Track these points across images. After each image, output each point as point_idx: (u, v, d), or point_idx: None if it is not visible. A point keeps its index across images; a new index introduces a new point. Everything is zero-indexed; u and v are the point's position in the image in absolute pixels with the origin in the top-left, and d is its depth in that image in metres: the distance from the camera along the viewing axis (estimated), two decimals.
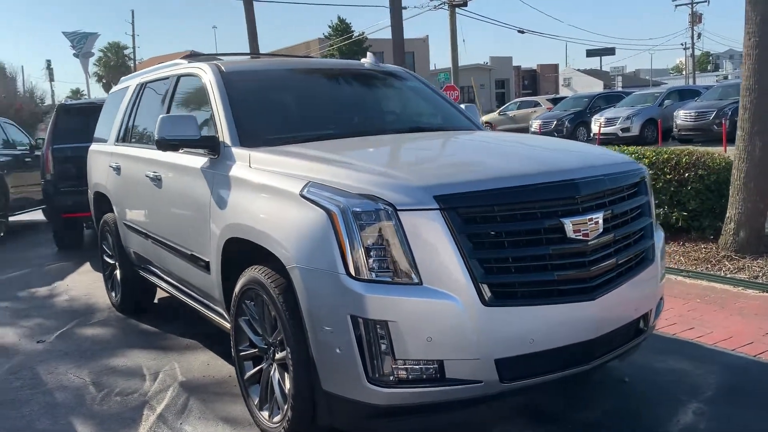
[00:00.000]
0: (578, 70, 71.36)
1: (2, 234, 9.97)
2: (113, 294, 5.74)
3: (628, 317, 3.05)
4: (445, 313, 2.57)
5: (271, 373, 3.15)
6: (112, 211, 5.50)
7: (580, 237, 2.79)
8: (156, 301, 5.73)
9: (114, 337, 5.00)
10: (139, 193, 4.76)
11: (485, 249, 2.66)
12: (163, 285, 4.71)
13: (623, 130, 20.18)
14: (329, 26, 46.78)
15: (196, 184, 3.74)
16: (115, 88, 6.17)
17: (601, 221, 2.87)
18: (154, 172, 4.38)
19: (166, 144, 3.68)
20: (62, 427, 3.49)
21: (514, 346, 2.68)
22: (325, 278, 2.66)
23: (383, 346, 2.59)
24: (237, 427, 3.37)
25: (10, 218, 10.52)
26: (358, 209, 2.61)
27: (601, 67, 70.88)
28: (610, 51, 65.72)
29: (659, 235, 3.44)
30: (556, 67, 72.83)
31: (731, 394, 3.53)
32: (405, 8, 33.18)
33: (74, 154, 7.72)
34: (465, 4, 26.27)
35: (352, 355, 2.61)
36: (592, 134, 21.15)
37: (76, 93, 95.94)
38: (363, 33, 43.39)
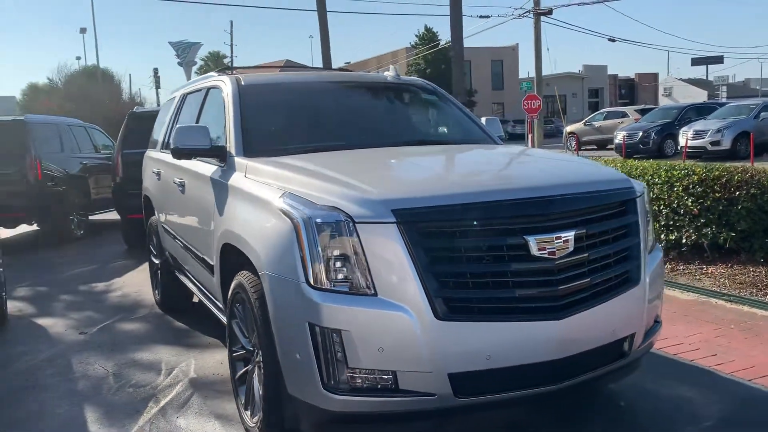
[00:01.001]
0: (680, 79, 68.36)
1: (82, 232, 10.72)
2: (156, 292, 6.09)
3: (604, 339, 2.97)
4: (396, 325, 2.62)
5: (254, 374, 3.29)
6: (155, 213, 5.86)
7: (546, 255, 2.76)
8: (196, 300, 6.02)
9: (146, 333, 5.31)
10: (170, 198, 5.06)
11: (442, 264, 2.69)
12: (190, 285, 4.97)
13: (713, 143, 19.18)
14: (416, 35, 47.03)
15: (206, 191, 3.95)
16: (167, 98, 6.55)
17: (572, 240, 2.83)
18: (180, 179, 4.64)
19: (180, 152, 3.91)
20: (74, 413, 3.76)
21: (468, 362, 2.69)
22: (289, 286, 2.76)
23: (338, 355, 2.67)
24: (227, 424, 3.53)
25: (91, 217, 11.29)
26: (319, 220, 2.71)
27: (707, 76, 67.61)
28: (718, 59, 62.40)
29: (655, 256, 3.33)
30: (655, 76, 70.08)
31: (731, 426, 3.36)
32: (488, 17, 32.94)
33: (141, 159, 8.22)
34: (550, 13, 25.84)
35: (310, 361, 2.71)
36: (679, 147, 20.24)
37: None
38: (449, 42, 43.31)
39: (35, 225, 10.60)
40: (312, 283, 2.69)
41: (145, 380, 4.23)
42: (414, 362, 2.64)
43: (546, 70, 25.49)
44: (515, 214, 2.78)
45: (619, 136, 22.52)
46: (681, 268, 6.28)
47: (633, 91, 68.24)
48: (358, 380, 2.69)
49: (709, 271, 6.09)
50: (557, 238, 2.79)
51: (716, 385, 3.83)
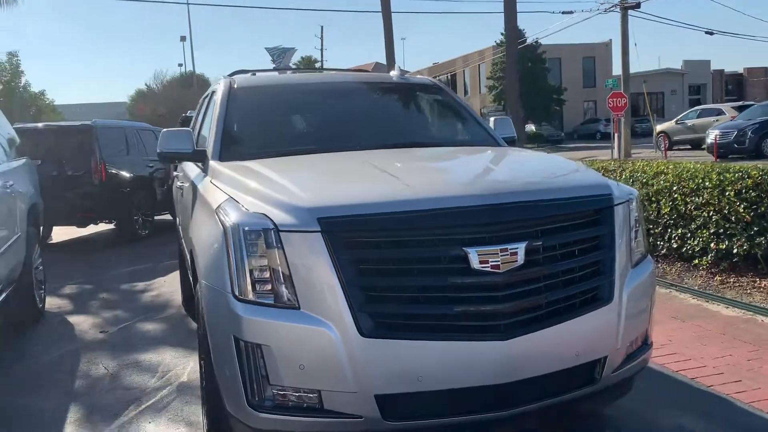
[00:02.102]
0: None
1: (147, 232, 11.14)
2: (182, 293, 6.18)
3: (564, 363, 2.68)
4: (318, 341, 2.46)
5: None
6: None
7: (488, 269, 2.52)
8: None
9: (161, 334, 5.39)
10: (178, 201, 5.11)
11: (369, 277, 2.50)
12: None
13: None
14: (501, 33, 46.05)
15: (189, 195, 3.94)
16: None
17: (521, 253, 2.57)
18: (181, 183, 4.67)
19: (163, 157, 3.91)
20: (58, 414, 3.82)
21: (397, 383, 2.49)
22: (220, 297, 2.66)
23: (261, 371, 2.54)
24: (193, 430, 3.48)
25: (156, 217, 11.72)
26: (247, 228, 2.59)
27: None
28: None
29: (640, 270, 2.99)
30: (766, 70, 65.39)
31: None
32: (571, 12, 31.79)
33: None
34: (638, 6, 24.59)
35: (236, 376, 2.59)
36: None
37: None
38: (537, 39, 42.23)
39: (106, 224, 11.14)
40: (237, 294, 2.58)
41: (137, 382, 4.26)
42: (337, 381, 2.47)
43: (642, 67, 24.25)
44: (454, 223, 2.55)
45: (712, 135, 21.07)
46: (731, 280, 5.71)
47: (741, 86, 63.87)
48: (283, 398, 2.55)
49: (762, 285, 5.51)
50: (503, 250, 2.54)
51: (727, 416, 3.41)
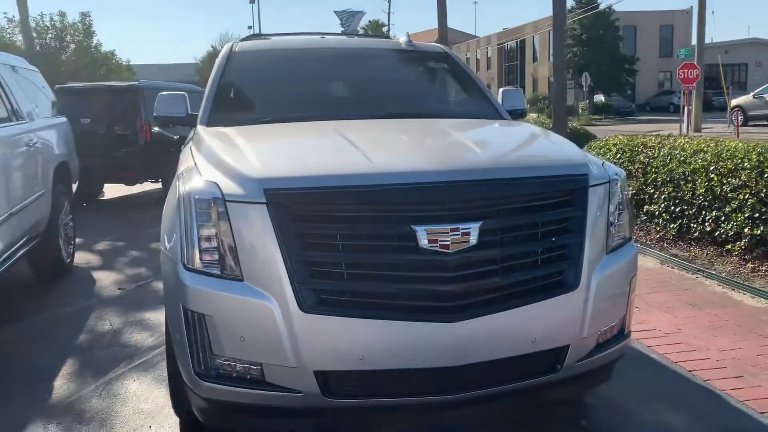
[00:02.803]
0: None
1: None
2: None
3: (520, 349, 2.57)
4: (259, 314, 2.43)
5: None
6: None
7: (437, 249, 2.42)
8: None
9: None
10: None
11: (314, 251, 2.44)
12: None
13: None
14: None
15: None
16: None
17: (475, 233, 2.45)
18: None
19: (159, 120, 3.93)
20: (53, 365, 3.97)
21: (338, 360, 2.45)
22: (171, 264, 2.66)
23: (206, 340, 2.54)
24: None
25: None
26: (197, 196, 2.56)
27: None
28: None
29: (617, 256, 2.81)
30: None
31: None
32: None
33: None
34: None
35: (185, 344, 2.60)
36: None
37: None
38: (611, 6, 40.42)
39: (153, 183, 11.45)
40: (185, 263, 2.57)
41: (135, 341, 4.38)
42: (277, 355, 2.44)
43: (732, 35, 22.80)
44: (403, 200, 2.45)
45: None
46: (763, 268, 5.37)
47: None
48: (227, 368, 2.54)
49: None
50: (453, 230, 2.43)
51: (714, 413, 3.22)
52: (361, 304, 2.44)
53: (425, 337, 2.44)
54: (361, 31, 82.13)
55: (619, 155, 7.45)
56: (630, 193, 6.99)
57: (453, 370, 2.48)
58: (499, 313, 2.50)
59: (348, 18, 70.40)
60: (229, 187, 2.53)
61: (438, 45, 4.64)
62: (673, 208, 6.44)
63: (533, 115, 39.02)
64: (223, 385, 2.55)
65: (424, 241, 2.41)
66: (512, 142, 3.24)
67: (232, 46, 4.23)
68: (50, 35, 29.98)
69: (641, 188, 6.96)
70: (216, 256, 2.52)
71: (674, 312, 4.64)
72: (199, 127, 3.59)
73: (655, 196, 6.71)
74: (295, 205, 2.45)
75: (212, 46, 47.65)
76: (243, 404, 2.58)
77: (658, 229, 6.70)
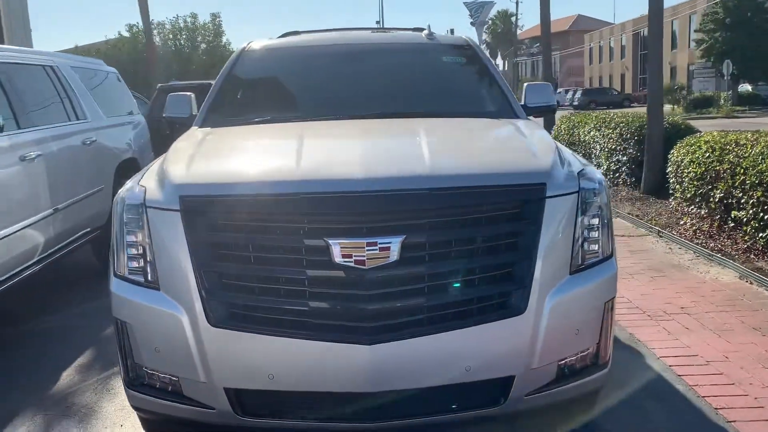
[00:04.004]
0: None
1: None
2: None
3: (450, 378, 2.31)
4: (170, 325, 2.35)
5: None
6: None
7: (351, 264, 2.22)
8: None
9: None
10: None
11: (225, 263, 2.33)
12: None
13: None
14: None
15: None
16: None
17: (396, 248, 2.22)
18: None
19: (168, 121, 3.97)
20: (71, 357, 4.14)
21: (247, 378, 2.32)
22: (109, 269, 2.65)
23: (129, 350, 2.50)
24: None
25: None
26: (127, 202, 2.53)
27: None
28: None
29: (585, 278, 2.45)
30: None
31: None
32: None
33: None
34: None
35: (118, 352, 2.58)
36: None
37: None
38: None
39: None
40: (115, 269, 2.55)
41: None
42: (188, 369, 2.36)
43: None
44: (317, 210, 2.27)
45: None
46: None
47: None
48: (151, 379, 2.49)
49: None
50: (370, 244, 2.21)
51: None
52: (271, 321, 2.29)
53: (338, 359, 2.25)
54: (488, 22, 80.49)
55: (708, 154, 6.69)
56: (718, 196, 6.27)
57: (369, 397, 2.27)
58: (425, 337, 2.25)
59: (477, 9, 69.23)
60: (152, 193, 2.48)
61: (461, 37, 4.33)
62: (762, 215, 5.67)
63: (667, 107, 36.47)
64: (147, 395, 2.51)
65: (338, 256, 2.22)
66: (479, 147, 2.93)
67: (245, 46, 4.20)
68: (184, 36, 32.07)
69: (729, 191, 6.20)
70: (140, 264, 2.47)
71: (729, 336, 4.06)
72: (192, 129, 3.58)
73: (743, 200, 5.95)
74: (208, 214, 2.34)
75: None
76: (167, 416, 2.53)
77: (747, 238, 5.94)
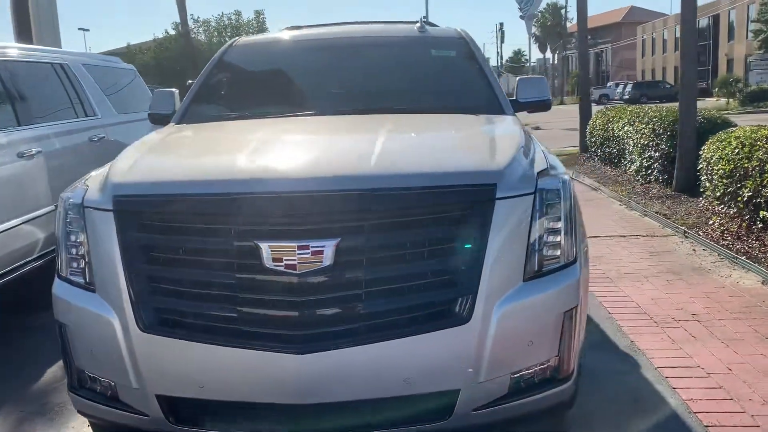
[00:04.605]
0: None
1: None
2: None
3: (388, 390, 2.18)
4: (103, 329, 2.29)
5: None
6: None
7: (282, 269, 2.11)
8: None
9: None
10: None
11: (156, 266, 2.25)
12: None
13: None
14: None
15: None
16: None
17: (330, 251, 2.10)
18: None
19: (152, 118, 3.92)
20: None
21: (178, 386, 2.24)
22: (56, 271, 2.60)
23: (69, 352, 2.45)
24: None
25: None
26: (69, 201, 2.48)
27: None
28: None
29: (542, 285, 2.28)
30: None
31: None
32: None
33: None
34: None
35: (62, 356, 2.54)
36: None
37: (517, 54, 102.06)
38: None
39: None
40: (58, 269, 2.50)
41: None
42: (121, 375, 2.29)
43: None
44: (247, 211, 2.16)
45: None
46: None
47: None
48: (92, 383, 2.44)
49: None
50: (301, 247, 2.10)
51: None
52: (201, 327, 2.21)
53: (269, 369, 2.15)
54: (539, 15, 79.29)
55: (737, 150, 6.33)
56: (746, 194, 5.93)
57: (303, 409, 2.16)
58: (360, 346, 2.13)
59: (526, 2, 68.64)
60: (92, 192, 2.42)
61: (454, 29, 4.16)
62: None
63: (721, 101, 35.09)
64: (89, 400, 2.45)
65: (268, 260, 2.11)
66: (437, 146, 2.75)
67: (234, 42, 4.13)
68: (228, 33, 32.48)
69: (758, 190, 5.84)
70: (80, 265, 2.41)
71: (738, 346, 3.80)
72: (168, 126, 3.53)
73: None
74: (139, 214, 2.27)
75: None
76: (108, 421, 2.47)
77: None
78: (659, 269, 5.46)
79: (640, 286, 5.01)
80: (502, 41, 75.38)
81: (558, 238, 2.35)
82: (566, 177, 2.46)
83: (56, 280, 2.49)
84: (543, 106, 3.75)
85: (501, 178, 2.26)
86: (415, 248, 2.17)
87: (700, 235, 6.29)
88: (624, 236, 6.72)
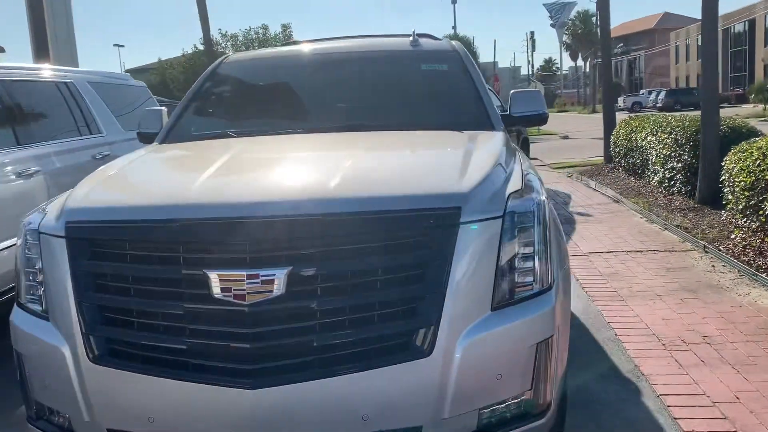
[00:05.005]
0: None
1: None
2: None
3: (344, 428, 2.05)
4: (54, 359, 2.22)
5: None
6: None
7: (231, 299, 2.00)
8: None
9: None
10: None
11: (105, 294, 2.18)
12: None
13: None
14: None
15: None
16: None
17: (282, 281, 1.99)
18: None
19: (140, 137, 3.87)
20: None
21: (127, 420, 2.15)
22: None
23: (25, 382, 2.39)
24: None
25: None
26: (28, 226, 2.42)
27: None
28: None
29: (512, 314, 2.14)
30: None
31: None
32: None
33: None
34: None
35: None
36: None
37: (548, 62, 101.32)
38: None
39: None
40: (18, 296, 2.44)
41: None
42: (72, 408, 2.21)
43: None
44: (195, 238, 2.07)
45: None
46: None
47: None
48: (51, 415, 2.36)
49: None
50: (251, 276, 1.99)
51: None
52: (151, 359, 2.11)
53: (219, 404, 2.04)
54: (568, 23, 78.43)
55: (758, 161, 6.06)
56: None
57: None
58: (314, 381, 2.01)
59: (557, 10, 67.91)
60: (48, 218, 2.36)
61: (447, 42, 4.04)
62: None
63: (758, 107, 34.21)
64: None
65: (216, 289, 2.01)
66: (405, 167, 2.61)
67: (225, 58, 4.08)
68: (255, 46, 32.80)
69: None
70: (37, 292, 2.35)
71: (749, 373, 3.57)
72: (150, 146, 3.47)
73: None
74: (91, 241, 2.19)
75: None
76: None
77: None
78: (674, 287, 5.23)
79: (652, 305, 4.79)
80: (533, 49, 74.83)
81: (530, 264, 2.20)
82: (541, 198, 2.31)
83: (15, 307, 2.43)
84: (538, 120, 3.60)
85: (466, 200, 2.13)
86: (372, 277, 2.05)
87: (720, 250, 6.03)
88: (641, 251, 6.48)
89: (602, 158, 14.05)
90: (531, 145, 23.09)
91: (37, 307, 2.34)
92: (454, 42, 4.04)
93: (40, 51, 8.51)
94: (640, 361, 3.81)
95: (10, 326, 2.41)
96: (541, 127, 32.42)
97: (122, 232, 2.15)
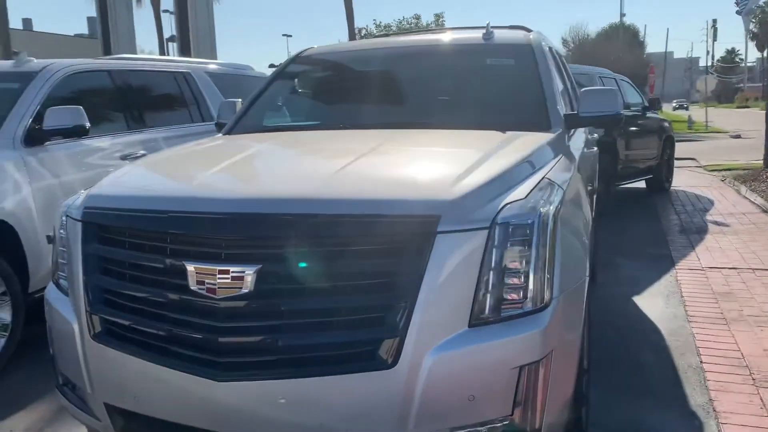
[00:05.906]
0: None
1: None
2: None
3: (306, 428, 2.02)
4: (66, 333, 2.42)
5: None
6: None
7: (204, 292, 2.05)
8: None
9: None
10: None
11: (107, 277, 2.33)
12: None
13: None
14: None
15: None
16: None
17: (251, 278, 2.01)
18: None
19: (218, 127, 4.06)
20: None
21: (120, 397, 2.30)
22: None
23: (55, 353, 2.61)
24: None
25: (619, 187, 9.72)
26: (62, 210, 2.64)
27: None
28: None
29: (494, 332, 1.99)
30: None
31: None
32: None
33: None
34: None
35: None
36: None
37: (730, 53, 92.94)
38: None
39: None
40: (53, 272, 2.66)
41: None
42: (77, 377, 2.40)
43: None
44: (178, 230, 2.14)
45: None
46: None
47: None
48: (69, 383, 2.57)
49: None
50: (222, 271, 2.03)
51: None
52: (137, 342, 2.23)
53: (191, 392, 2.11)
54: (756, 8, 71.69)
55: None
56: None
57: None
58: (275, 380, 2.01)
59: None
60: (76, 203, 2.57)
61: (523, 35, 3.80)
62: None
63: None
64: (66, 399, 2.58)
65: (192, 281, 2.07)
66: (403, 169, 2.47)
67: (302, 51, 4.16)
68: None
69: None
70: (64, 270, 2.55)
71: None
72: (216, 136, 3.63)
73: None
74: (100, 226, 2.35)
75: (563, 38, 47.29)
76: (83, 423, 2.58)
77: None
78: None
79: (758, 333, 4.25)
80: (714, 39, 69.07)
81: (522, 280, 2.03)
82: (543, 210, 2.11)
83: (50, 282, 2.65)
84: (609, 121, 3.29)
85: (448, 209, 2.00)
86: (342, 281, 1.99)
87: None
88: None
89: (761, 162, 12.63)
90: (691, 144, 21.24)
91: (64, 284, 2.54)
92: (532, 35, 3.81)
93: (183, 43, 9.23)
94: (717, 395, 3.39)
95: (44, 300, 2.63)
96: (709, 124, 29.78)
97: (124, 220, 2.28)
